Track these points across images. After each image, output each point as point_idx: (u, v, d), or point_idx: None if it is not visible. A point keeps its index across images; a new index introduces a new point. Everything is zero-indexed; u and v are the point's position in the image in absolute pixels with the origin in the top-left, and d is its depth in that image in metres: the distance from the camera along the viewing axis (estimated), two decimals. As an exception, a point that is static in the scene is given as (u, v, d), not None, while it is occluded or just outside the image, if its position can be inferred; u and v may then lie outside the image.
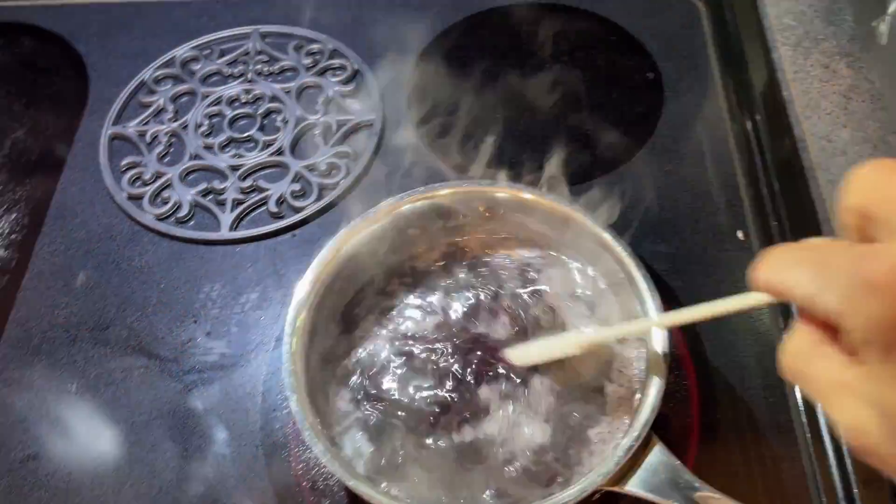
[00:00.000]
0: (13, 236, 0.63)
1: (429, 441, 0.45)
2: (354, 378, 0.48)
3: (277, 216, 0.62)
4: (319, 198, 0.63)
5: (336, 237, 0.49)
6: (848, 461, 0.47)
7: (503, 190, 0.50)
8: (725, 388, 0.52)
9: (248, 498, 0.49)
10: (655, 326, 0.44)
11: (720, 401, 0.51)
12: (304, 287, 0.47)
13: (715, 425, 0.51)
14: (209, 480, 0.50)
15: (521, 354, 0.46)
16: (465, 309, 0.50)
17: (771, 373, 0.52)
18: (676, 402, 0.51)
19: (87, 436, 0.53)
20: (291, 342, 0.45)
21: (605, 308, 0.50)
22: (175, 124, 0.68)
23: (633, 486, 0.40)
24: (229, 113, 0.68)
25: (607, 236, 0.48)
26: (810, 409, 0.50)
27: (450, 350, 0.48)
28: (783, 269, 0.28)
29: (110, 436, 0.52)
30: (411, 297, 0.51)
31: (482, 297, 0.50)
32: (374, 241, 0.50)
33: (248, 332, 0.57)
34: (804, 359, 0.28)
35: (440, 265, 0.52)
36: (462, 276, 0.51)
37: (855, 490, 0.46)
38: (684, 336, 0.54)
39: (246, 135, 0.67)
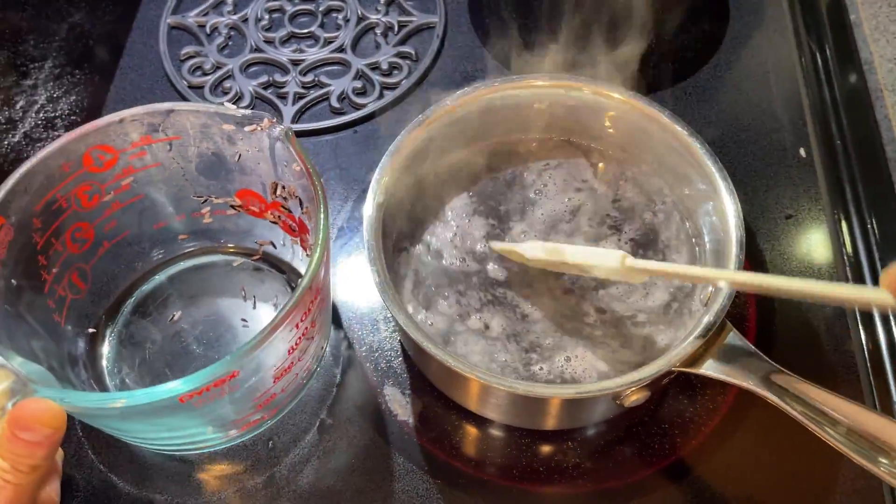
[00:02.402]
0: (73, 118, 0.62)
1: (494, 319, 0.46)
2: (424, 257, 0.49)
3: (339, 112, 0.62)
4: (381, 96, 0.63)
5: (415, 121, 0.49)
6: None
7: (588, 87, 0.50)
8: (784, 297, 0.53)
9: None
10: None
11: (778, 309, 0.52)
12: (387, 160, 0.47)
13: (772, 335, 0.51)
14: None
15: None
16: (538, 208, 0.50)
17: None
18: (734, 309, 0.52)
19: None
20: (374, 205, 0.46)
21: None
22: (235, 17, 0.67)
23: (707, 369, 0.41)
24: (290, 9, 0.68)
25: (692, 141, 0.47)
26: (868, 321, 0.51)
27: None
28: None
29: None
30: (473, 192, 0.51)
31: (559, 197, 0.51)
32: (453, 126, 0.50)
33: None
34: None
35: (515, 159, 0.53)
36: (538, 172, 0.52)
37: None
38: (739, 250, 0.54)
39: (307, 31, 0.66)
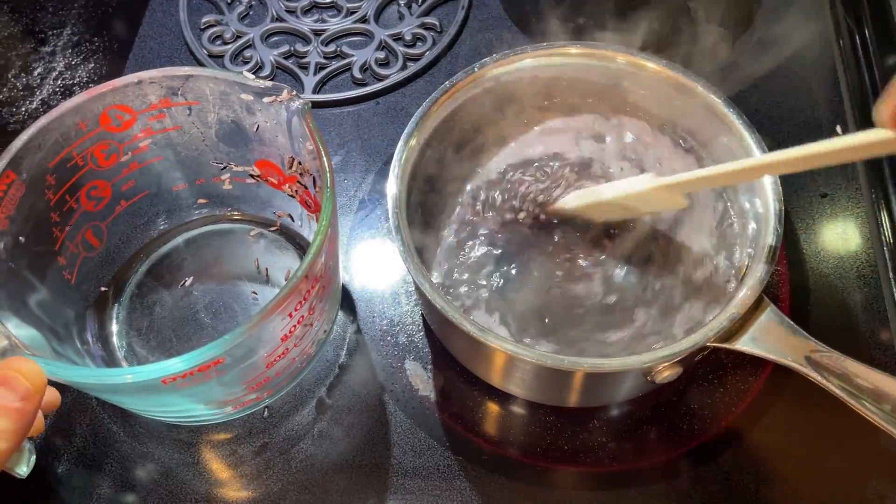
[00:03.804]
0: (91, 85, 0.61)
1: (526, 292, 0.44)
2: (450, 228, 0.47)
3: (361, 83, 0.61)
4: (404, 68, 0.61)
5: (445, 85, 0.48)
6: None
7: (622, 56, 0.48)
8: (818, 276, 0.51)
9: (330, 348, 0.49)
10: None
11: (812, 289, 0.51)
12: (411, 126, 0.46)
13: (805, 314, 0.50)
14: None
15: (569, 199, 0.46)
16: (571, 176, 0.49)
17: (865, 263, 0.51)
18: (768, 289, 0.50)
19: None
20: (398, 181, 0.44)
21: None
22: (256, -14, 0.66)
23: (743, 344, 0.39)
24: (312, -22, 0.66)
25: (726, 109, 0.46)
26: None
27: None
28: None
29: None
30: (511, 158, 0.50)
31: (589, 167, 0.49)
32: (481, 95, 0.48)
33: (331, 193, 0.56)
34: None
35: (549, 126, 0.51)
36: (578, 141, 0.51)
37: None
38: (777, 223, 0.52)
39: (329, 1, 0.65)
